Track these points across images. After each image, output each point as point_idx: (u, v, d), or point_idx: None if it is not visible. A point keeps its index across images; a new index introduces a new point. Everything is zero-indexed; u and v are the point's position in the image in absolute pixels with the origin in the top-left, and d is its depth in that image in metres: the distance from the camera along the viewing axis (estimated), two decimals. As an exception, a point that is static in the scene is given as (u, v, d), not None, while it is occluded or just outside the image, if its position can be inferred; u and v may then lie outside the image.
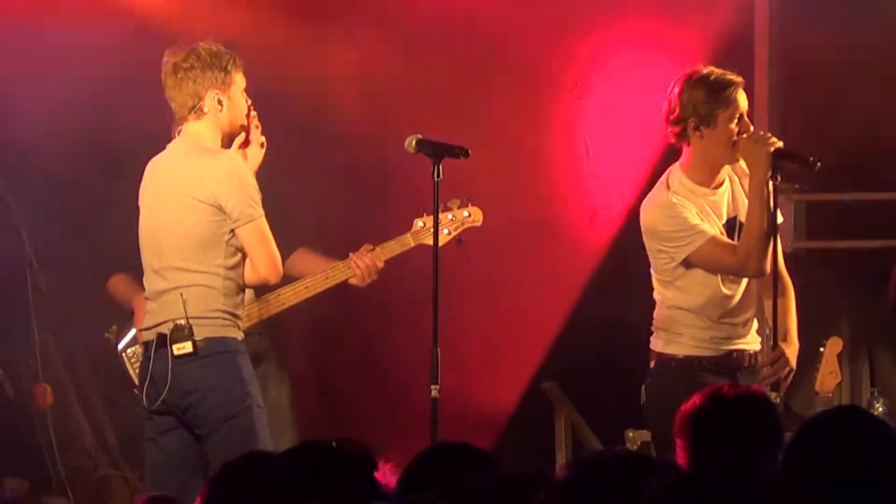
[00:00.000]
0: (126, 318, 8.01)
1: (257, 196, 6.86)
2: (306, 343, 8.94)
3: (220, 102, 6.78)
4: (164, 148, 7.13)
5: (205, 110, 6.81)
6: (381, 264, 7.49)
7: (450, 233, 7.50)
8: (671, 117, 6.97)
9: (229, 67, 6.85)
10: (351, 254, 7.46)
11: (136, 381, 7.60)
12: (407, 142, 6.94)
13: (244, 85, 7.01)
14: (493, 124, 8.88)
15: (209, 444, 6.52)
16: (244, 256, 6.70)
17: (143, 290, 7.39)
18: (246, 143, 7.37)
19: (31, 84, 9.02)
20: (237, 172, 6.75)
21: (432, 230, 7.08)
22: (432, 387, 6.97)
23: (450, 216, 7.52)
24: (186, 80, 6.83)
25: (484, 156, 7.60)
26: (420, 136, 6.96)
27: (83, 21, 8.89)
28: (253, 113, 7.28)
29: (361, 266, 7.43)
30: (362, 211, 8.84)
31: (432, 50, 9.21)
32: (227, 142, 7.05)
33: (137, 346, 7.79)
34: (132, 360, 7.86)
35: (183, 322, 6.68)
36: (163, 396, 6.70)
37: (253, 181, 6.98)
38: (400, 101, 8.83)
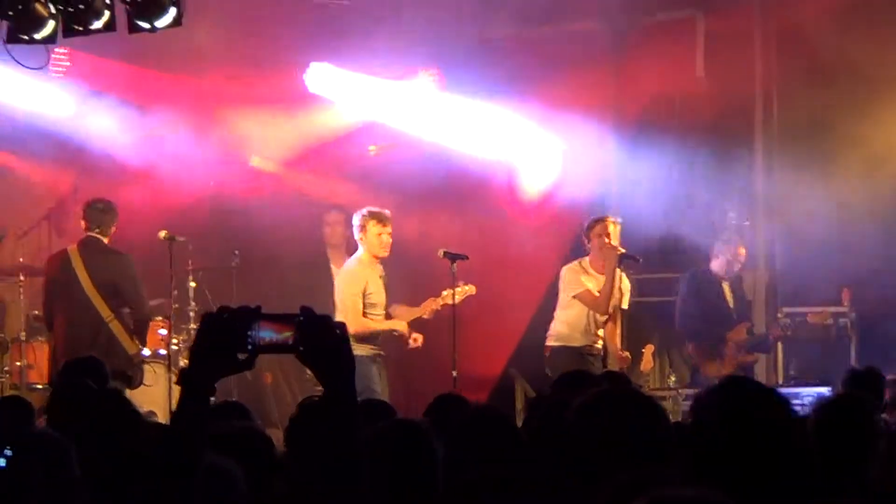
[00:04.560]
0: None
1: None
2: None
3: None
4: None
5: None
6: (438, 308, 10.73)
7: (460, 297, 10.69)
8: (581, 233, 10.73)
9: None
10: (423, 303, 10.75)
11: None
12: (439, 252, 10.55)
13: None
14: (477, 243, 11.78)
15: None
16: None
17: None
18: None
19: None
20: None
21: (452, 294, 10.53)
22: (453, 371, 10.16)
23: (459, 289, 10.66)
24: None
25: (475, 260, 10.85)
26: (445, 249, 10.49)
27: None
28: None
29: (429, 309, 10.76)
30: (421, 286, 11.40)
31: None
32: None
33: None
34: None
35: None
36: None
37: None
38: (436, 235, 11.93)
